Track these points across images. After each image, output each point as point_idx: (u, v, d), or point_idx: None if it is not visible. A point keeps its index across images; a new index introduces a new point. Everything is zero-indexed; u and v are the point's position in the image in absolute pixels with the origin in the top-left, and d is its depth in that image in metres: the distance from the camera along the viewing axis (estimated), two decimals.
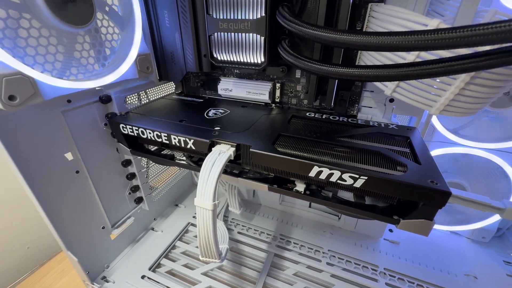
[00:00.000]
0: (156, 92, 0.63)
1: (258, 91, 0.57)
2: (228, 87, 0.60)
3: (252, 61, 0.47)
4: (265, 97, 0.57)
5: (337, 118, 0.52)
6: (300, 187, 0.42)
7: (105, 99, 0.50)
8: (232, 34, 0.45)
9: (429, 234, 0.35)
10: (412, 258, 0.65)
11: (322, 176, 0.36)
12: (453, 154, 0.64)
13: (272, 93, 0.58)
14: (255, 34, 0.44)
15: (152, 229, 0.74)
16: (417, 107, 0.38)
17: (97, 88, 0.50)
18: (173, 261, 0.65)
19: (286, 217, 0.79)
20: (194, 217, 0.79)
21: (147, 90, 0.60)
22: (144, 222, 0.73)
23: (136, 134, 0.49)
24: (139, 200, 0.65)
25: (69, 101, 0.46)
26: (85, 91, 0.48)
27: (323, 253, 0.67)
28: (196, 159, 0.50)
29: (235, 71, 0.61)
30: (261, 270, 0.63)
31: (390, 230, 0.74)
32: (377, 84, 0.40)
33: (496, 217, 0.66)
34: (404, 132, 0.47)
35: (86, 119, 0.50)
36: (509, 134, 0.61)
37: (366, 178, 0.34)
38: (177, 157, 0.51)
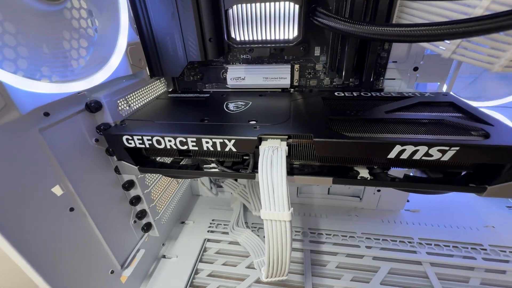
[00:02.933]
0: (148, 92, 0.51)
1: (278, 75, 0.50)
2: (240, 76, 0.51)
3: (282, 38, 0.40)
4: (286, 82, 0.50)
5: (369, 94, 0.49)
6: (364, 172, 0.37)
7: (95, 106, 0.38)
8: (257, 4, 0.37)
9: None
10: (436, 222, 0.67)
11: (404, 156, 0.32)
12: None
13: (291, 76, 0.52)
14: (288, 2, 0.37)
15: (164, 256, 0.62)
16: (477, 66, 0.35)
17: (79, 94, 0.37)
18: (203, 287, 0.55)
19: (308, 209, 0.74)
20: (209, 231, 0.69)
21: (139, 91, 0.48)
22: (152, 251, 0.60)
23: (148, 146, 0.38)
24: (147, 227, 0.53)
25: (46, 114, 0.32)
26: (65, 99, 0.35)
27: (358, 237, 0.64)
28: (230, 164, 0.41)
29: (242, 56, 0.53)
30: (303, 271, 0.57)
31: (407, 200, 0.75)
32: (430, 46, 0.37)
33: None
34: (443, 98, 0.45)
35: (72, 136, 0.36)
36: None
37: (457, 148, 0.30)
38: (205, 165, 0.41)
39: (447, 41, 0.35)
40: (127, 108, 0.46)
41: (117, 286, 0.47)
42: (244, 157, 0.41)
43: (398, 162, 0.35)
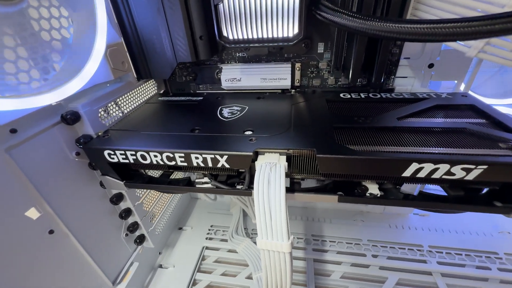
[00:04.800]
0: (136, 96, 0.47)
1: (277, 76, 0.45)
2: (236, 76, 0.46)
3: (281, 35, 0.35)
4: (286, 82, 0.45)
5: (378, 95, 0.44)
6: (373, 188, 0.33)
7: (72, 118, 0.34)
8: None
9: None
10: (447, 228, 0.64)
11: (421, 174, 0.28)
12: None
13: (292, 76, 0.47)
14: None
15: (160, 266, 0.60)
16: (506, 65, 0.31)
17: (54, 104, 0.33)
18: None
19: (311, 214, 0.71)
20: (208, 238, 0.66)
21: (125, 96, 0.44)
22: (149, 262, 0.58)
23: (132, 161, 0.34)
24: (140, 240, 0.50)
25: (13, 130, 0.29)
26: (36, 112, 0.31)
27: (364, 244, 0.61)
28: (224, 178, 0.37)
29: (238, 54, 0.48)
30: (306, 282, 0.54)
31: None
32: (453, 44, 0.32)
33: None
34: (462, 100, 0.40)
35: (47, 151, 0.33)
36: None
37: (484, 167, 0.26)
38: (197, 180, 0.38)
39: None
40: (113, 115, 0.42)
41: None
42: (240, 170, 0.37)
43: (414, 179, 0.31)
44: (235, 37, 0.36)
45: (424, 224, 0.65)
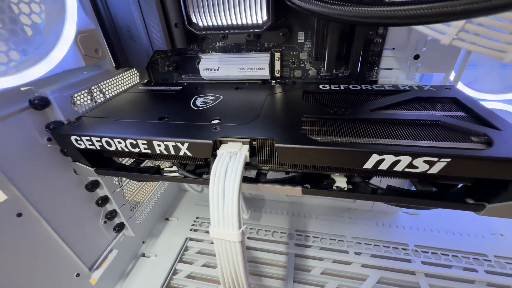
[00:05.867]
0: (114, 85, 0.47)
1: (255, 66, 0.44)
2: (214, 66, 0.46)
3: (250, 22, 0.34)
4: (264, 73, 0.44)
5: (359, 86, 0.42)
6: (341, 181, 0.32)
7: (40, 103, 0.34)
8: None
9: None
10: (436, 227, 0.61)
11: (383, 166, 0.26)
12: None
13: (270, 67, 0.46)
14: None
15: (143, 255, 0.61)
16: (485, 55, 0.29)
17: (23, 89, 0.34)
18: None
19: (297, 208, 0.70)
20: (192, 229, 0.66)
21: (102, 83, 0.44)
22: (131, 250, 0.59)
23: (99, 147, 0.34)
24: (119, 228, 0.51)
25: None
26: (1, 95, 0.31)
27: (347, 241, 0.60)
28: (193, 167, 0.37)
29: (218, 43, 0.47)
30: (285, 277, 0.54)
31: None
32: (428, 31, 0.30)
33: None
34: (445, 93, 0.38)
35: (15, 136, 0.33)
36: None
37: (448, 160, 0.24)
38: (165, 169, 0.38)
39: (448, 24, 0.28)
40: (88, 102, 0.42)
41: (86, 287, 0.46)
42: (209, 160, 0.36)
43: (380, 172, 0.29)
44: (205, 23, 0.35)
45: (413, 223, 0.63)
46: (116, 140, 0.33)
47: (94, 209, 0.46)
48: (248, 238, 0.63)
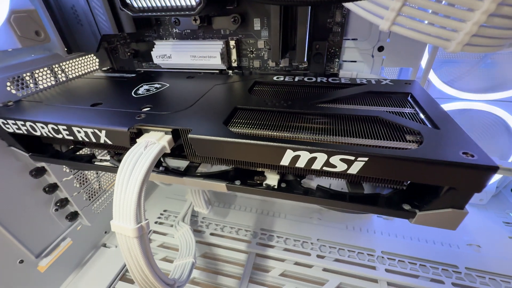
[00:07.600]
0: (67, 70, 0.45)
1: (206, 54, 0.42)
2: (166, 53, 0.44)
3: (184, 4, 0.31)
4: (216, 61, 0.42)
5: (314, 79, 0.39)
6: (273, 179, 0.30)
7: None
8: None
9: None
10: (410, 235, 0.58)
11: (300, 164, 0.24)
12: (451, 111, 0.55)
13: (226, 55, 0.43)
14: None
15: (104, 245, 0.60)
16: (428, 43, 0.25)
17: None
18: (132, 282, 0.52)
19: (267, 207, 0.68)
20: (157, 222, 0.65)
21: (51, 68, 0.42)
22: (90, 240, 0.58)
23: (25, 132, 0.33)
24: (72, 217, 0.50)
25: None
26: None
27: (312, 244, 0.57)
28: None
29: (175, 30, 0.45)
30: (241, 276, 0.52)
31: None
32: (368, 15, 0.27)
33: (496, 177, 0.59)
34: (402, 88, 0.35)
35: None
36: (506, 79, 0.52)
37: (365, 160, 0.22)
38: (99, 158, 0.36)
39: (386, 6, 0.24)
40: (30, 86, 0.41)
41: (34, 274, 0.45)
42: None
43: (296, 169, 0.27)
44: (139, 4, 0.33)
45: (386, 229, 0.60)
46: (39, 125, 0.31)
47: (43, 196, 0.46)
48: (211, 234, 0.61)
